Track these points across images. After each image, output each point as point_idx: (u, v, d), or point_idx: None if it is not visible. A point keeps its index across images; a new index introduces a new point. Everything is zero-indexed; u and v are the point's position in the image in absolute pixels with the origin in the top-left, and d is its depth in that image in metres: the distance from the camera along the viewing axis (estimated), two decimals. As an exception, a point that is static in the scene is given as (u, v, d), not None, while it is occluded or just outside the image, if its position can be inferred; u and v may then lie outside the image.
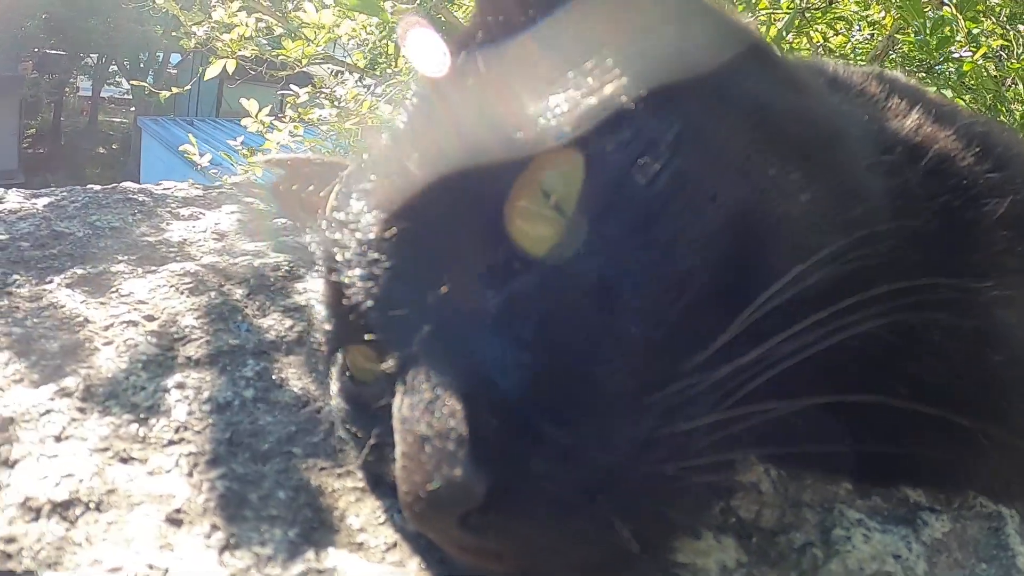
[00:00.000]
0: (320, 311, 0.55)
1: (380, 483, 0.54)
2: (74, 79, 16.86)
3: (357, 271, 0.47)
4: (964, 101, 1.29)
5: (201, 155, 2.00)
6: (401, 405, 0.42)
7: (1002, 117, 1.25)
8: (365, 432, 0.52)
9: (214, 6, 1.96)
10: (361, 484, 0.55)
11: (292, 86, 2.09)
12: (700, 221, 0.42)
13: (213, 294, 0.79)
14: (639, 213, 0.41)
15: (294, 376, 0.67)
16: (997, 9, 1.30)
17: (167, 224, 1.00)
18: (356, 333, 0.50)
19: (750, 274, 0.43)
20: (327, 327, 0.53)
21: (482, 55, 0.49)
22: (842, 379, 0.46)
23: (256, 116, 1.95)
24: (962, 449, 0.53)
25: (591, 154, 0.42)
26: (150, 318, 0.74)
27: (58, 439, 0.56)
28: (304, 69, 2.07)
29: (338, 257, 0.49)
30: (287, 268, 0.87)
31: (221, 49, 1.89)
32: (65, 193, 1.08)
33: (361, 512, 0.52)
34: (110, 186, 1.13)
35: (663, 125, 0.42)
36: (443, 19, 1.40)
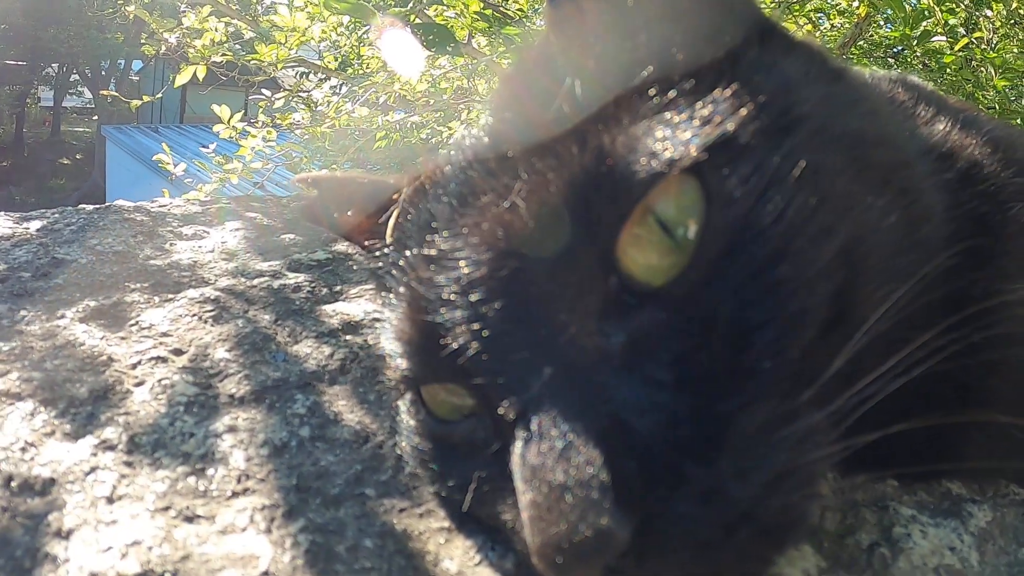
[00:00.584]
0: (393, 347, 0.49)
1: (466, 521, 0.50)
2: (35, 90, 16.12)
3: (458, 312, 0.42)
4: (938, 87, 1.30)
5: (175, 165, 1.89)
6: (526, 452, 0.38)
7: (981, 105, 1.25)
8: (454, 471, 0.48)
9: (184, 12, 1.85)
10: (446, 523, 0.50)
11: (264, 91, 1.99)
12: (819, 257, 0.40)
13: (240, 322, 0.72)
14: (767, 250, 0.39)
15: (346, 409, 0.61)
16: (965, -6, 1.30)
17: (171, 245, 0.93)
18: (441, 372, 0.46)
19: (847, 302, 0.42)
20: (404, 364, 0.48)
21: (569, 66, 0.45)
22: (909, 391, 0.44)
23: (228, 122, 1.85)
24: (999, 444, 0.53)
25: (712, 186, 0.39)
26: (178, 352, 0.68)
27: (111, 500, 0.50)
28: (274, 74, 1.98)
29: (428, 295, 0.44)
30: (309, 289, 0.81)
31: (193, 55, 1.78)
32: (57, 215, 1.00)
33: (454, 554, 0.48)
34: (103, 206, 1.04)
35: (784, 159, 0.40)
36: (417, 21, 1.33)
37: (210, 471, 0.53)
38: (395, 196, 0.56)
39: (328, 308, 0.76)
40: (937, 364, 0.44)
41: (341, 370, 0.66)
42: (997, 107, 1.33)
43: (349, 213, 0.62)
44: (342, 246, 0.94)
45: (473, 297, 0.42)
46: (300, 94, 1.96)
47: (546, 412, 0.38)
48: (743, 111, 0.40)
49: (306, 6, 1.70)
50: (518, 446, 0.39)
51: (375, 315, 0.75)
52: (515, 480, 0.39)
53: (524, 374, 0.40)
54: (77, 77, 15.40)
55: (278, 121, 1.91)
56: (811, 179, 0.40)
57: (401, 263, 0.48)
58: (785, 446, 0.38)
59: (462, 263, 0.42)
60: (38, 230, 0.95)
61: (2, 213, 1.02)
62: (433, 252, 0.44)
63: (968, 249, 0.50)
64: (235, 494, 0.51)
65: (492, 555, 0.48)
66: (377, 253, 0.57)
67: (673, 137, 0.39)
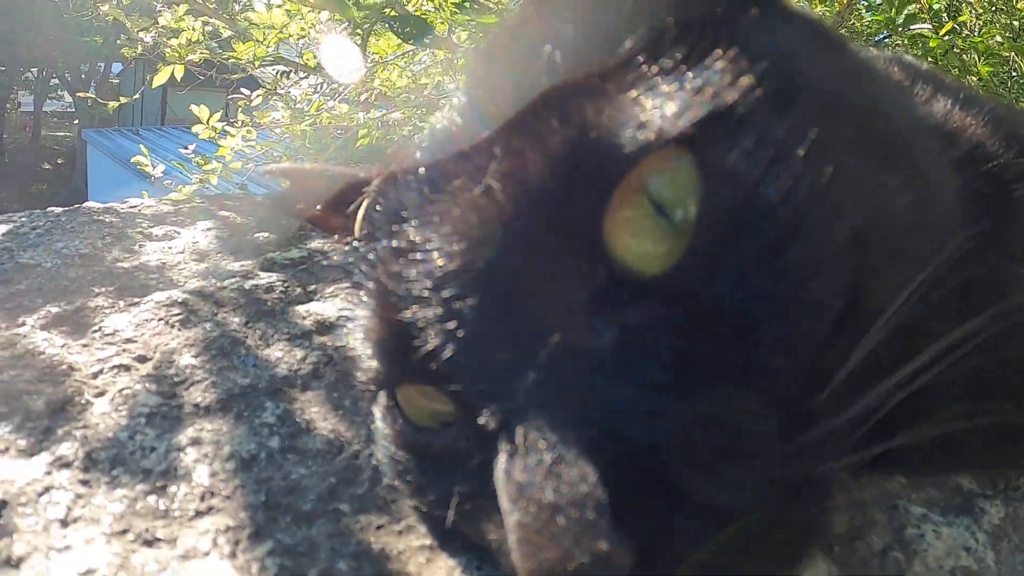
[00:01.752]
0: (363, 347, 0.45)
1: (449, 538, 0.45)
2: (15, 95, 15.79)
3: (431, 310, 0.37)
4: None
5: (154, 166, 1.82)
6: (511, 468, 0.33)
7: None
8: (435, 485, 0.43)
9: (160, 11, 1.78)
10: (427, 541, 0.46)
11: (243, 89, 1.92)
12: (830, 240, 0.35)
13: (208, 325, 0.67)
14: (774, 233, 0.34)
15: (319, 416, 0.56)
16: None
17: (140, 246, 0.87)
18: (416, 375, 0.41)
19: (862, 290, 0.37)
20: (375, 366, 0.44)
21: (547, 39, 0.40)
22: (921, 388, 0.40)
23: (208, 122, 1.79)
24: (1010, 434, 0.49)
25: (710, 162, 0.34)
26: (142, 359, 0.63)
27: (65, 523, 0.45)
28: (252, 72, 1.91)
29: (399, 291, 0.39)
30: (282, 289, 0.76)
31: (169, 55, 1.71)
32: (24, 219, 0.94)
33: (436, 575, 0.43)
34: (72, 208, 0.99)
35: (790, 132, 0.35)
36: (395, 14, 1.28)
37: (172, 489, 0.48)
38: (366, 189, 0.51)
39: (301, 309, 0.71)
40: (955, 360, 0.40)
41: (314, 374, 0.61)
42: (982, 92, 1.30)
43: (319, 207, 0.58)
44: (317, 243, 0.89)
45: (446, 293, 0.37)
46: (279, 92, 1.89)
47: (532, 422, 0.34)
48: (743, 79, 0.35)
49: (284, 3, 1.64)
50: (502, 460, 0.34)
51: (349, 314, 0.70)
52: (500, 498, 0.34)
53: (506, 379, 0.35)
54: (57, 81, 15.09)
55: (257, 120, 1.85)
56: (820, 154, 0.35)
57: (370, 257, 0.43)
58: (802, 455, 0.34)
59: (434, 255, 0.37)
60: (3, 234, 0.90)
61: (-34, 218, 0.96)
62: (402, 244, 0.39)
63: (973, 231, 0.44)
64: (198, 514, 0.46)
65: (479, 575, 0.43)
66: (347, 248, 0.53)
67: (664, 107, 0.34)
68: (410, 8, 1.42)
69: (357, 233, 0.48)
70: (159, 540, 0.44)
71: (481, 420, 0.36)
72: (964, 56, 1.21)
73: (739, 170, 0.34)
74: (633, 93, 0.35)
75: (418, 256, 0.38)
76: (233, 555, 0.43)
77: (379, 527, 0.47)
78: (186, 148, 1.90)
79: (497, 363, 0.36)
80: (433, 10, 1.40)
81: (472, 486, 0.39)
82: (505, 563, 0.38)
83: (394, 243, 0.40)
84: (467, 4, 1.21)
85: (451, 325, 0.37)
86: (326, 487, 0.49)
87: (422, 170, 0.41)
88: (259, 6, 1.60)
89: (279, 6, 1.66)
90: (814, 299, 0.34)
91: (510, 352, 0.36)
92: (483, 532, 0.40)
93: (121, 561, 0.42)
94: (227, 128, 1.82)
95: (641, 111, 0.34)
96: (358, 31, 1.17)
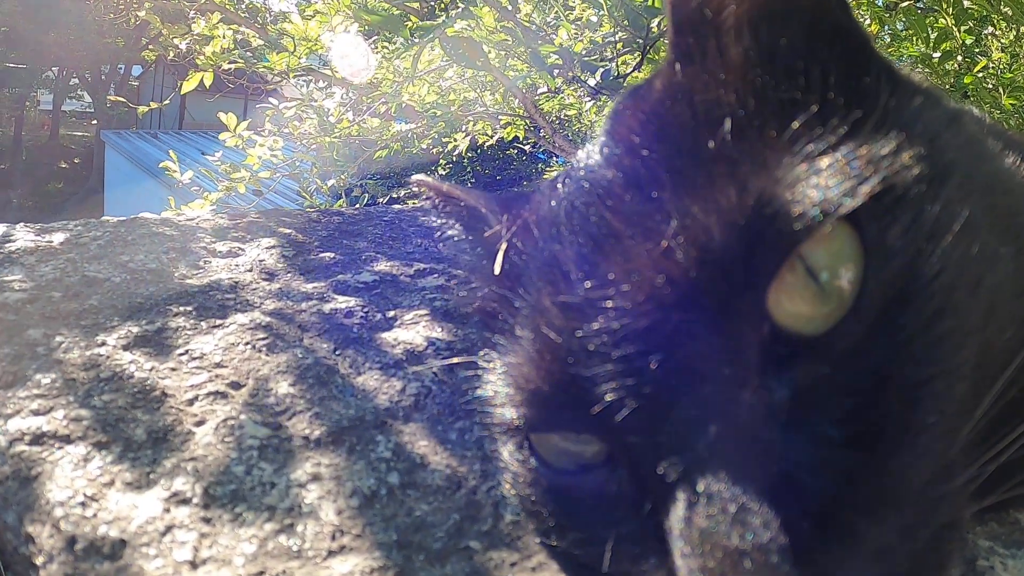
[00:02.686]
0: (506, 392, 0.44)
1: (581, 572, 0.45)
2: (34, 93, 15.58)
3: (610, 366, 0.37)
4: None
5: (182, 173, 1.78)
6: (692, 515, 0.35)
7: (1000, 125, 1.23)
8: (576, 525, 0.43)
9: (193, 18, 1.75)
10: (562, 580, 0.44)
11: (272, 100, 1.90)
12: (973, 310, 0.38)
13: (299, 352, 0.65)
14: (933, 305, 0.37)
15: (429, 451, 0.55)
16: (974, 14, 1.28)
17: (206, 262, 0.85)
18: (575, 424, 0.41)
19: (983, 351, 0.40)
20: (519, 411, 0.43)
21: (698, 99, 0.41)
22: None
23: (235, 130, 1.76)
24: None
25: (872, 236, 0.36)
26: (235, 385, 0.61)
27: (195, 565, 0.43)
28: (282, 83, 1.89)
29: (569, 346, 0.39)
30: (362, 314, 0.74)
31: (203, 62, 1.68)
32: (81, 228, 0.92)
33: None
34: (129, 218, 0.96)
35: (942, 210, 0.37)
36: (462, 36, 1.26)
37: (299, 528, 0.46)
38: (496, 226, 0.50)
39: (387, 336, 0.69)
40: None
41: (415, 406, 0.59)
42: (1007, 125, 1.31)
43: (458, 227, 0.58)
44: (384, 265, 0.87)
45: (628, 350, 0.37)
46: (311, 103, 1.86)
47: (714, 473, 0.35)
48: (904, 157, 0.37)
49: (315, 16, 1.61)
50: (680, 508, 0.35)
51: (436, 344, 0.68)
52: (675, 543, 0.35)
53: (687, 432, 0.36)
54: (77, 81, 14.90)
55: (287, 130, 1.82)
56: (965, 231, 0.38)
57: (521, 306, 0.43)
58: (947, 501, 0.37)
59: (612, 313, 0.37)
60: (62, 243, 0.87)
61: (22, 224, 0.93)
62: (572, 299, 0.39)
63: None
64: (331, 553, 0.45)
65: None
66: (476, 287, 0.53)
67: (836, 186, 0.36)
68: (458, 28, 1.40)
69: (496, 274, 0.47)
70: (299, 584, 0.42)
71: (660, 470, 0.36)
72: (995, 93, 1.22)
73: (898, 246, 0.36)
74: (805, 168, 0.36)
75: (592, 312, 0.38)
76: (382, 603, 0.41)
77: (513, 564, 0.45)
78: (209, 154, 1.87)
79: (680, 418, 0.36)
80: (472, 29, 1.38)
81: (628, 529, 0.40)
82: None
83: (561, 298, 0.39)
84: (509, 25, 1.20)
85: (632, 380, 0.37)
86: (452, 524, 0.48)
87: (578, 223, 0.41)
88: (295, 18, 1.58)
89: (311, 18, 1.63)
90: (959, 364, 0.37)
91: (692, 408, 0.36)
92: (640, 573, 0.40)
93: (266, 608, 0.40)
94: (255, 137, 1.79)
95: (814, 187, 0.36)
96: (410, 51, 1.16)
